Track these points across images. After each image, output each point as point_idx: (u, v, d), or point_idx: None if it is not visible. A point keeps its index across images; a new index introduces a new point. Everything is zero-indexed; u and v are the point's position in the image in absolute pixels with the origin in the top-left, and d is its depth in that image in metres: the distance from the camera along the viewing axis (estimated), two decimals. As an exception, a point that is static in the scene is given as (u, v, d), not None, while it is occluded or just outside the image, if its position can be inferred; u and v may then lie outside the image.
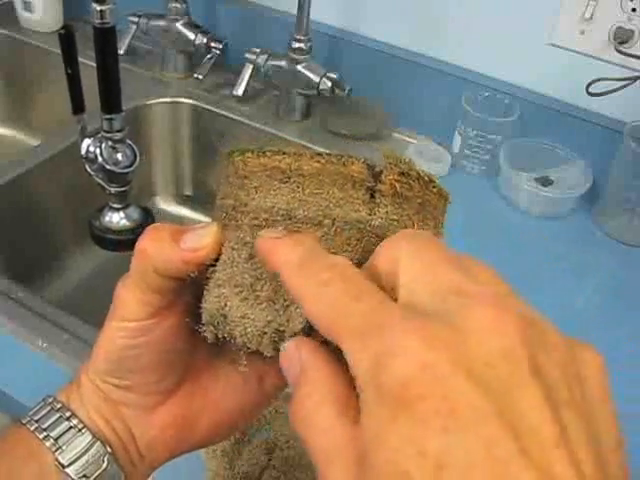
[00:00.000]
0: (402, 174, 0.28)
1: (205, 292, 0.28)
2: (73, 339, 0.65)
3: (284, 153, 0.28)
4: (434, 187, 0.29)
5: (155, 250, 0.29)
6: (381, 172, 0.28)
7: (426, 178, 0.28)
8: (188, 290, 0.30)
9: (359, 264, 0.26)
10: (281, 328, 0.26)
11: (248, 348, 0.27)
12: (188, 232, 0.29)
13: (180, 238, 0.28)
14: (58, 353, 0.64)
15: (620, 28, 0.82)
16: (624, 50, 0.82)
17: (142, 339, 0.30)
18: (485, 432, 0.17)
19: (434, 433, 0.17)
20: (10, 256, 0.89)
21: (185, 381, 0.33)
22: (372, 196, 0.28)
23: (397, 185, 0.28)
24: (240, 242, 0.28)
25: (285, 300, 0.26)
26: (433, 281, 0.21)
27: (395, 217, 0.28)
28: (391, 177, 0.28)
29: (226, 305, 0.27)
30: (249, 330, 0.27)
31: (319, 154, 0.28)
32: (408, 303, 0.21)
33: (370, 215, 0.28)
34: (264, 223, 0.27)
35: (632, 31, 0.82)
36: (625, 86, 0.80)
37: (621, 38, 0.82)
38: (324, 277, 0.22)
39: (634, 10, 0.81)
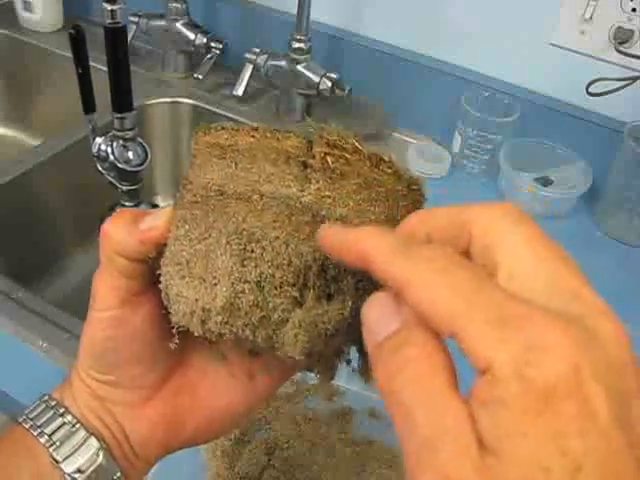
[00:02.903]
0: (333, 146, 0.27)
1: (159, 271, 0.28)
2: (73, 339, 0.65)
3: (223, 128, 0.28)
4: (389, 168, 0.27)
5: (115, 232, 0.29)
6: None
7: (370, 153, 0.27)
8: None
9: (286, 243, 0.25)
10: (207, 306, 0.26)
11: (181, 326, 0.27)
12: (148, 214, 0.29)
13: (140, 220, 0.29)
14: (58, 353, 0.64)
15: (620, 28, 0.82)
16: (624, 50, 0.82)
17: (120, 330, 0.30)
18: (615, 440, 0.18)
19: (575, 434, 0.17)
20: (10, 256, 0.89)
21: (172, 377, 0.33)
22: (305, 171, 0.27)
23: (328, 159, 0.27)
24: (181, 219, 0.27)
25: (213, 278, 0.26)
26: (551, 277, 0.21)
27: (328, 194, 0.26)
28: (319, 149, 0.27)
29: (170, 284, 0.27)
30: (181, 308, 0.26)
31: (255, 129, 0.28)
32: (520, 294, 0.20)
33: (302, 192, 0.26)
34: (200, 199, 0.27)
35: (632, 31, 0.82)
36: (625, 86, 0.80)
37: (621, 38, 0.82)
38: (440, 263, 0.20)
39: (634, 10, 0.81)
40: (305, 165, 0.27)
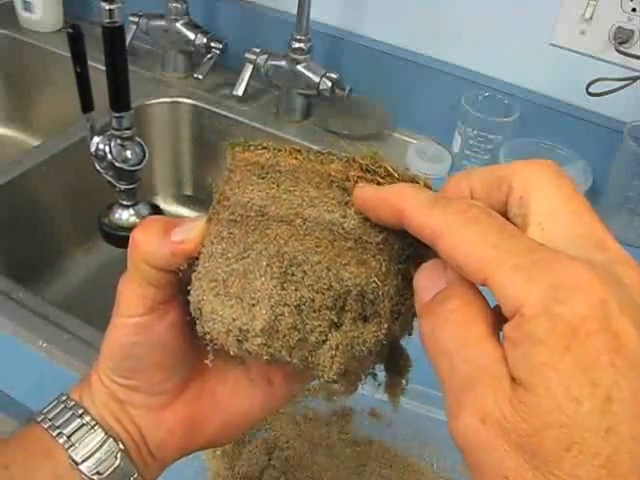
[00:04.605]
0: (366, 170, 0.27)
1: (190, 285, 0.28)
2: (74, 340, 0.65)
3: (265, 147, 0.28)
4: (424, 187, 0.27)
5: (146, 241, 0.29)
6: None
7: (403, 176, 0.27)
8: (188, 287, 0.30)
9: (328, 268, 0.25)
10: (244, 327, 0.26)
11: (215, 344, 0.27)
12: (179, 225, 0.29)
13: (171, 230, 0.29)
14: (59, 353, 0.64)
15: (620, 28, 0.82)
16: (624, 50, 0.82)
17: (144, 336, 0.30)
18: None
19: (605, 367, 0.18)
20: (11, 256, 0.89)
21: (192, 382, 0.33)
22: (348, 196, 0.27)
23: (360, 182, 0.27)
24: (218, 236, 0.27)
25: (252, 299, 0.26)
26: (577, 228, 0.22)
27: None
28: (353, 173, 0.27)
29: (202, 299, 0.27)
30: (216, 327, 0.26)
31: (298, 150, 0.28)
32: (549, 242, 0.22)
33: (344, 217, 0.27)
34: (239, 218, 0.27)
35: (632, 31, 0.82)
36: (625, 86, 0.80)
37: (621, 38, 0.82)
38: (472, 213, 0.22)
39: (634, 10, 0.81)
40: (345, 189, 0.27)
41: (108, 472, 0.31)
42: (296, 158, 0.28)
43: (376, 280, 0.26)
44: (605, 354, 0.18)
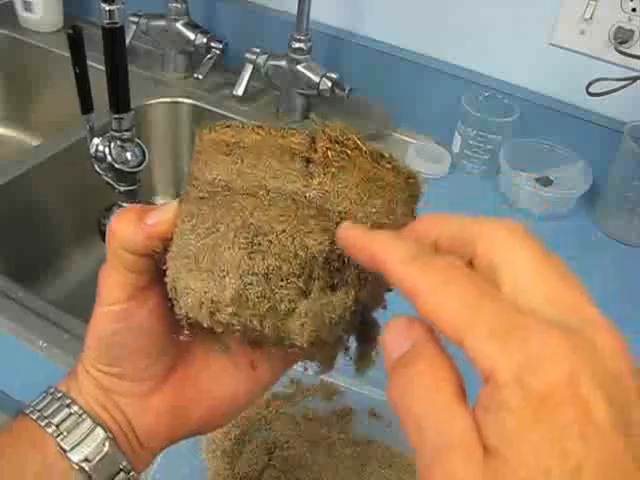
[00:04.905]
0: (335, 142, 0.28)
1: (166, 267, 0.29)
2: (73, 339, 0.65)
3: (228, 126, 0.29)
4: (388, 163, 0.28)
5: (122, 228, 0.30)
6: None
7: (371, 150, 0.28)
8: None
9: (292, 236, 0.26)
10: (215, 298, 0.26)
11: (189, 318, 0.28)
12: (153, 209, 0.30)
13: (146, 216, 0.29)
14: (58, 353, 0.64)
15: (620, 28, 0.82)
16: (624, 50, 0.82)
17: (126, 323, 0.31)
18: (614, 443, 0.19)
19: (575, 436, 0.18)
20: (10, 256, 0.89)
21: (176, 368, 0.34)
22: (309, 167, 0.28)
23: (329, 153, 0.27)
24: (188, 214, 0.28)
25: (221, 270, 0.26)
26: (550, 292, 0.22)
27: (331, 188, 0.27)
28: (322, 144, 0.28)
29: (177, 277, 0.28)
30: (189, 301, 0.27)
31: (260, 126, 0.28)
32: (523, 307, 0.21)
33: (306, 187, 0.27)
34: (207, 195, 0.28)
35: (632, 31, 0.82)
36: (625, 86, 0.80)
37: (621, 38, 0.82)
38: (451, 274, 0.22)
39: (634, 10, 0.81)
40: (308, 160, 0.28)
41: (96, 460, 0.31)
42: (258, 134, 0.28)
43: (340, 247, 0.27)
44: (574, 425, 0.18)
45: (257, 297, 0.26)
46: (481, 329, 0.20)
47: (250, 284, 0.26)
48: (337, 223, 0.27)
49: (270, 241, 0.26)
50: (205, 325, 0.27)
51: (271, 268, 0.26)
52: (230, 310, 0.26)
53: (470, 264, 0.24)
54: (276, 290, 0.26)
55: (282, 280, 0.26)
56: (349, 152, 0.28)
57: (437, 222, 0.26)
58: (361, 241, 0.25)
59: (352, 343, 0.32)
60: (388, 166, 0.28)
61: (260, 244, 0.26)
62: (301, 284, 0.27)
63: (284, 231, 0.26)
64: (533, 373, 0.19)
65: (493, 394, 0.19)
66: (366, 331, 0.32)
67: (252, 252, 0.26)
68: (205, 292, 0.27)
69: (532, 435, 0.18)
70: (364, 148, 0.28)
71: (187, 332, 0.29)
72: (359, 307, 0.29)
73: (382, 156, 0.28)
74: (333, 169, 0.28)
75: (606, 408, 0.19)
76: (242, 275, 0.26)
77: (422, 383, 0.21)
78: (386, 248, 0.24)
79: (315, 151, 0.28)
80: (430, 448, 0.20)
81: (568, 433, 0.18)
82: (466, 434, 0.20)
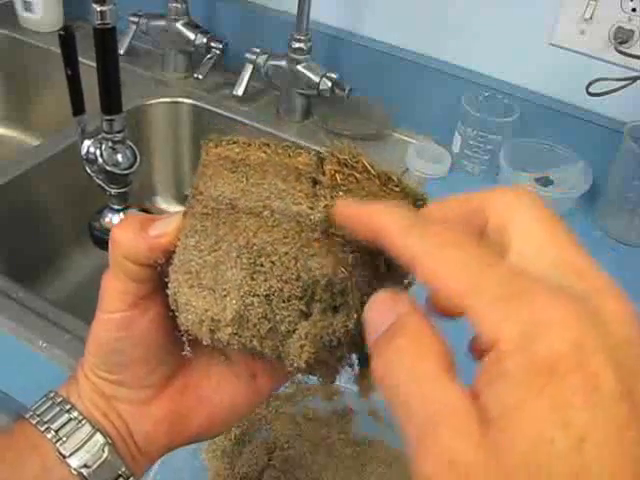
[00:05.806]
0: (343, 164, 0.27)
1: (168, 278, 0.29)
2: (74, 339, 0.65)
3: (235, 142, 0.29)
4: (396, 186, 0.28)
5: (124, 238, 0.29)
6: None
7: (379, 172, 0.27)
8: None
9: (295, 258, 0.26)
10: (216, 317, 0.26)
11: (189, 334, 0.28)
12: (157, 221, 0.30)
13: (149, 226, 0.29)
14: (58, 353, 0.64)
15: (620, 28, 0.82)
16: (624, 50, 0.82)
17: (127, 331, 0.31)
18: (619, 413, 0.18)
19: (579, 407, 0.18)
20: (10, 256, 0.89)
21: (176, 376, 0.34)
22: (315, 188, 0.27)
23: (337, 176, 0.27)
24: (192, 229, 0.28)
25: (223, 289, 0.26)
26: (558, 256, 0.21)
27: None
28: (330, 167, 0.27)
29: (178, 291, 0.27)
30: (190, 317, 0.27)
31: (267, 144, 0.28)
32: (529, 270, 0.21)
33: (311, 209, 0.27)
34: (211, 212, 0.28)
35: (632, 31, 0.82)
36: (625, 86, 0.80)
37: (621, 38, 0.82)
38: (450, 237, 0.21)
39: (634, 10, 0.81)
40: (315, 182, 0.28)
41: (95, 465, 0.31)
42: (264, 152, 0.28)
43: (343, 270, 0.26)
44: (579, 394, 0.18)
45: (258, 318, 0.26)
46: (483, 295, 0.19)
47: (251, 305, 0.26)
48: (342, 247, 0.27)
49: (273, 262, 0.26)
50: (204, 342, 0.27)
51: (273, 290, 0.26)
52: (230, 330, 0.26)
53: (482, 236, 0.23)
54: (277, 312, 0.26)
55: (283, 302, 0.26)
56: (357, 175, 0.27)
57: (443, 203, 0.25)
58: (359, 211, 0.25)
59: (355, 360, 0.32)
60: (396, 189, 0.28)
61: (262, 265, 0.26)
62: (302, 306, 0.26)
63: (287, 253, 0.26)
64: (538, 340, 0.18)
65: (496, 363, 0.19)
66: (366, 350, 0.31)
67: (254, 273, 0.26)
68: (206, 310, 0.26)
69: (534, 404, 0.18)
70: (372, 171, 0.28)
71: (189, 348, 0.29)
72: (361, 329, 0.28)
73: (390, 179, 0.28)
74: (340, 192, 0.27)
75: (613, 377, 0.18)
76: (243, 296, 0.26)
77: (408, 353, 0.20)
78: (385, 217, 0.23)
79: (323, 173, 0.28)
80: (420, 421, 0.19)
81: (572, 402, 0.18)
82: (458, 402, 0.19)
